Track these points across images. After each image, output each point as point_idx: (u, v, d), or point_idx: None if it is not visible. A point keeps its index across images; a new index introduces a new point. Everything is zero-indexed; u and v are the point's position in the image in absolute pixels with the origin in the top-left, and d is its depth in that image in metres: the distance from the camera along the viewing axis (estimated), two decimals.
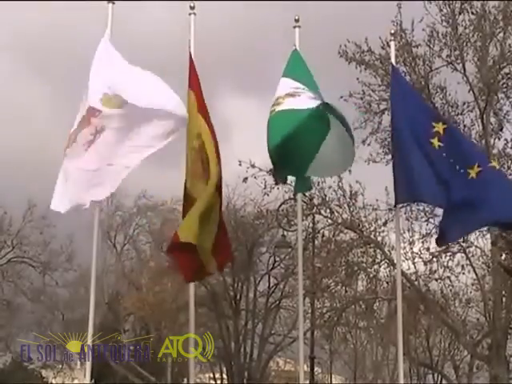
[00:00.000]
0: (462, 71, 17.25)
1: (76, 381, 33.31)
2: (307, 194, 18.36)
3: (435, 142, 8.47)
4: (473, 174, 8.15)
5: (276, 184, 18.47)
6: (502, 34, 17.14)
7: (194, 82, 7.99)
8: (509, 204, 8.14)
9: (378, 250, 18.54)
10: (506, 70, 17.18)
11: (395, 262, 15.29)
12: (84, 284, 27.27)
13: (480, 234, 17.74)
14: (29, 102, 44.67)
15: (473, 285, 20.90)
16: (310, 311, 21.03)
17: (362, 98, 17.80)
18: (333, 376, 34.07)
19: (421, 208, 17.74)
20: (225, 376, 29.20)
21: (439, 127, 8.52)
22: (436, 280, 19.15)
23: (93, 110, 7.80)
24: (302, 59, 8.58)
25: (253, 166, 19.00)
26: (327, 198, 18.23)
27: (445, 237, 8.68)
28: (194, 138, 7.77)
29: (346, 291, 21.29)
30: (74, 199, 7.79)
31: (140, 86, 7.82)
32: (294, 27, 8.82)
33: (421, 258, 18.58)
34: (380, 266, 19.59)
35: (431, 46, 17.27)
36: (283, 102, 7.83)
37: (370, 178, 18.64)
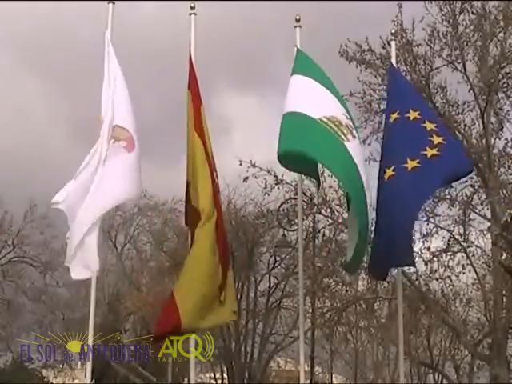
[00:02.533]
0: (463, 71, 17.25)
1: (77, 381, 33.31)
2: (307, 193, 18.39)
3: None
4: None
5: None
6: (502, 34, 17.14)
7: (193, 85, 7.98)
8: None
9: None
10: (507, 70, 17.18)
11: None
12: (85, 284, 27.16)
13: (480, 234, 17.77)
14: (26, 101, 44.74)
15: (473, 284, 20.92)
16: (310, 311, 21.03)
17: (362, 98, 17.82)
18: (333, 376, 34.04)
19: (421, 208, 17.74)
20: (225, 376, 29.18)
21: (392, 117, 8.55)
22: (436, 280, 19.14)
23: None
24: (309, 57, 8.57)
25: (253, 166, 19.01)
26: (328, 198, 18.25)
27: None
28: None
29: (347, 291, 21.30)
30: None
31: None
32: (295, 27, 8.81)
33: (421, 257, 18.55)
34: None
35: (432, 45, 17.28)
36: (347, 136, 7.95)
37: (371, 177, 18.62)
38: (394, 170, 8.10)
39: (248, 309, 28.41)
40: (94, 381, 22.90)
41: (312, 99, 8.09)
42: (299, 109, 7.84)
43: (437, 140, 8.14)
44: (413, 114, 8.45)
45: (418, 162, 7.94)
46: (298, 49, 8.58)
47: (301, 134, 7.62)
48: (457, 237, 17.56)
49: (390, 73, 9.44)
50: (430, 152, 8.03)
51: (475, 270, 18.68)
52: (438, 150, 8.04)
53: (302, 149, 7.58)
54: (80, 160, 7.83)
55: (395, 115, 8.53)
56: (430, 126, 8.30)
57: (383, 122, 9.13)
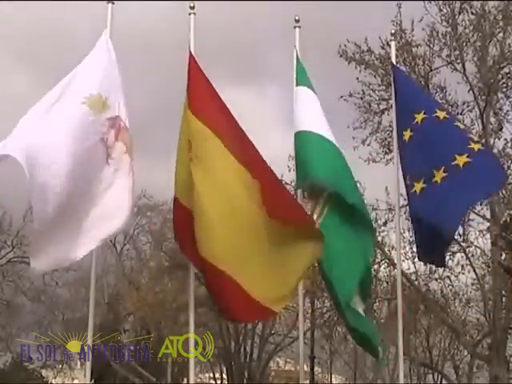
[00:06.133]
0: (462, 71, 17.28)
1: (76, 381, 33.31)
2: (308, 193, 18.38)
3: (406, 133, 8.09)
4: (437, 178, 7.55)
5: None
6: (501, 34, 17.17)
7: (194, 81, 7.88)
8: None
9: (378, 250, 18.55)
10: (506, 70, 17.22)
11: (395, 261, 15.31)
12: (84, 284, 27.24)
13: (480, 234, 17.78)
14: (25, 100, 44.61)
15: (473, 284, 20.91)
16: (310, 311, 21.03)
17: (361, 98, 17.86)
18: (333, 376, 34.04)
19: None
20: (225, 376, 29.20)
21: (418, 117, 8.04)
22: (436, 280, 19.18)
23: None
24: (303, 64, 8.57)
25: None
26: None
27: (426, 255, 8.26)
28: (184, 144, 7.46)
29: None
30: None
31: None
32: (294, 27, 8.80)
33: None
34: (380, 266, 19.63)
35: (431, 45, 17.33)
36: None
37: (370, 177, 18.68)
38: (445, 171, 7.53)
39: None
40: (93, 381, 22.94)
41: (321, 118, 8.19)
42: (316, 129, 7.96)
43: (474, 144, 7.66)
44: (441, 114, 8.00)
45: (468, 156, 7.42)
46: (297, 58, 8.54)
47: (324, 161, 7.79)
48: (456, 237, 17.56)
49: (394, 73, 9.18)
50: (476, 146, 7.57)
51: (475, 271, 18.69)
52: (482, 145, 7.68)
53: (325, 178, 7.70)
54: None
55: (421, 115, 8.00)
56: (460, 125, 7.97)
57: (394, 125, 8.71)
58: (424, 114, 8.01)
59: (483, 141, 17.14)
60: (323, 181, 7.69)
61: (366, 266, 7.86)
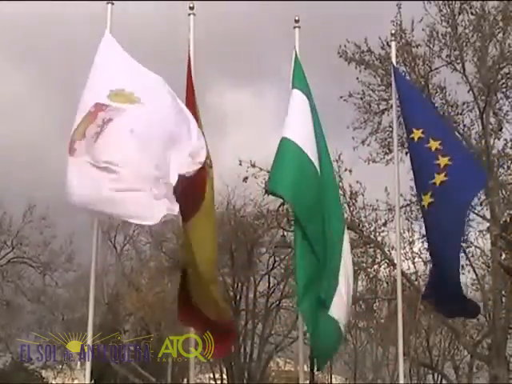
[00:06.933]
0: (462, 71, 17.29)
1: (76, 381, 33.28)
2: None
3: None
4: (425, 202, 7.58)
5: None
6: (501, 34, 17.18)
7: (189, 91, 7.94)
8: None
9: (378, 250, 18.57)
10: (506, 70, 17.22)
11: (395, 261, 15.29)
12: (84, 284, 27.21)
13: (480, 234, 17.79)
14: (24, 101, 44.63)
15: (473, 285, 20.92)
16: None
17: (361, 98, 17.87)
18: (333, 376, 34.02)
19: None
20: (225, 376, 29.17)
21: (414, 135, 8.03)
22: None
23: (100, 105, 7.23)
24: (301, 66, 8.55)
25: (253, 166, 18.98)
26: None
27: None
28: None
29: None
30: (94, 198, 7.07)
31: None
32: (294, 27, 8.80)
33: (421, 257, 18.61)
34: (380, 266, 19.62)
35: (431, 46, 17.34)
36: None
37: (370, 178, 18.70)
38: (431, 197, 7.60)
39: (247, 309, 28.42)
40: (93, 381, 22.93)
41: (306, 129, 8.06)
42: (298, 140, 7.81)
43: (443, 162, 7.52)
44: (417, 134, 7.95)
45: (432, 195, 7.41)
46: (296, 57, 8.53)
47: (294, 178, 7.64)
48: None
49: (395, 75, 9.17)
50: (438, 179, 7.45)
51: (474, 271, 18.69)
52: (445, 175, 7.42)
53: (289, 196, 7.64)
54: None
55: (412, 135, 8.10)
56: (434, 144, 7.66)
57: (394, 125, 9.04)
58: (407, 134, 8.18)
59: (483, 141, 17.18)
60: (288, 200, 7.75)
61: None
